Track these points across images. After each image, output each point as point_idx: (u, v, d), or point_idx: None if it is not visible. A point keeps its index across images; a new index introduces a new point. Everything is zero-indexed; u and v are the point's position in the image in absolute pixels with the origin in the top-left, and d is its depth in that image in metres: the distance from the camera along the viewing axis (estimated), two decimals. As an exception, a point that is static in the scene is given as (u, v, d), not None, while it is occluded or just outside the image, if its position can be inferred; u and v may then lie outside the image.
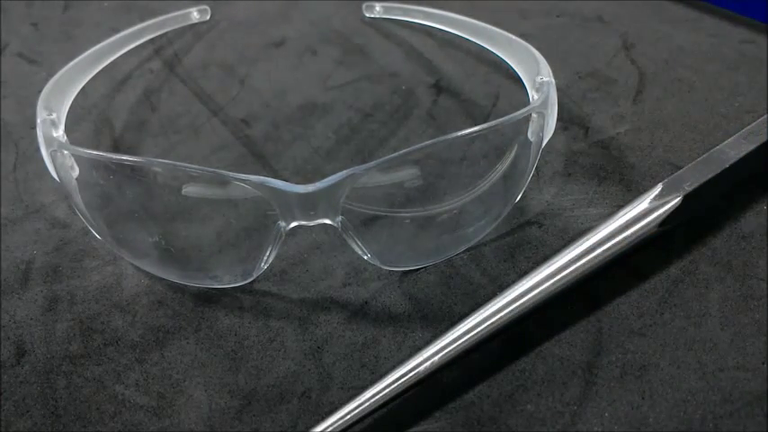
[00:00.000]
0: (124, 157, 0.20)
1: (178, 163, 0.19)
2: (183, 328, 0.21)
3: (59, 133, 0.23)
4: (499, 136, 0.21)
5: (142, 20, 0.38)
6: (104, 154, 0.20)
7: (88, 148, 0.21)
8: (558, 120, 0.28)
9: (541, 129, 0.22)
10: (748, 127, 0.24)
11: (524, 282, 0.19)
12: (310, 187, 0.19)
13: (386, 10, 0.40)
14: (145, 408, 0.19)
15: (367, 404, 0.17)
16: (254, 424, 0.19)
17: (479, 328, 0.18)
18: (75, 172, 0.21)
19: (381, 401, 0.17)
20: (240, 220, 0.22)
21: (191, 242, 0.23)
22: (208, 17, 0.41)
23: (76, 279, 0.23)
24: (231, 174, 0.19)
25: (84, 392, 0.20)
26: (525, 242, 0.23)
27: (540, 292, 0.19)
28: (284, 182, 0.19)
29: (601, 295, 0.21)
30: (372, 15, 0.40)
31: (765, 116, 0.24)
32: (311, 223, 0.20)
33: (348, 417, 0.17)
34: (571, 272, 0.19)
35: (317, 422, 0.17)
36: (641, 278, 0.22)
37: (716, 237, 0.23)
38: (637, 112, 0.30)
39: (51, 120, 0.23)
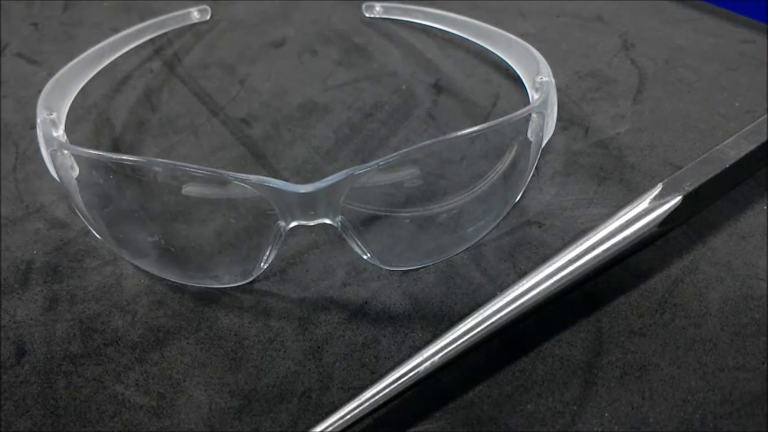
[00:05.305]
0: (124, 157, 0.20)
1: (178, 163, 0.19)
2: (183, 328, 0.21)
3: (59, 133, 0.23)
4: (499, 136, 0.21)
5: (142, 20, 0.38)
6: (104, 154, 0.20)
7: (88, 147, 0.21)
8: (558, 120, 0.28)
9: (541, 129, 0.22)
10: (748, 127, 0.24)
11: (524, 282, 0.19)
12: (310, 187, 0.19)
13: (386, 10, 0.40)
14: (145, 408, 0.19)
15: (367, 404, 0.17)
16: (254, 424, 0.19)
17: (479, 328, 0.18)
18: (75, 172, 0.21)
19: (381, 401, 0.17)
20: (240, 220, 0.22)
21: (191, 242, 0.23)
22: (208, 17, 0.41)
23: (76, 279, 0.23)
24: (231, 173, 0.19)
25: (84, 392, 0.19)
26: (525, 242, 0.23)
27: (540, 292, 0.19)
28: (284, 182, 0.19)
29: (601, 295, 0.21)
30: (372, 15, 0.40)
31: (765, 116, 0.24)
32: (311, 223, 0.20)
33: (348, 417, 0.17)
34: (571, 272, 0.19)
35: (317, 422, 0.17)
36: (641, 278, 0.22)
37: (716, 237, 0.23)
38: (637, 112, 0.30)
39: (51, 119, 0.23)
